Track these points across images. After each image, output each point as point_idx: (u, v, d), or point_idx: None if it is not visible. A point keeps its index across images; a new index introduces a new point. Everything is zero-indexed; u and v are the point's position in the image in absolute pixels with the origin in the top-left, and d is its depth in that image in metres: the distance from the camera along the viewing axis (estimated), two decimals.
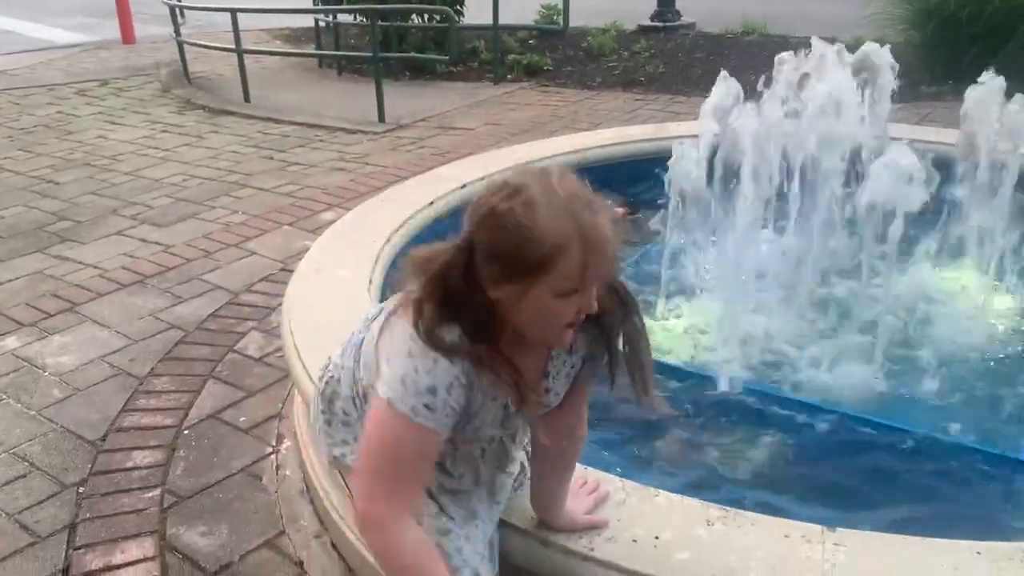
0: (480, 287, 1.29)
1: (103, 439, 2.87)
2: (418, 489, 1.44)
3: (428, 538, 1.44)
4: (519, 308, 1.29)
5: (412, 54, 8.79)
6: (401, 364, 1.34)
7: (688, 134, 3.72)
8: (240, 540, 2.39)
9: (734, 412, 2.62)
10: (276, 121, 7.26)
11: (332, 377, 1.68)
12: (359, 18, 9.24)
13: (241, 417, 2.97)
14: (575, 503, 1.70)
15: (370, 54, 7.63)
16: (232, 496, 2.58)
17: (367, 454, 1.41)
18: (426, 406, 1.32)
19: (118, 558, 2.33)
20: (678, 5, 10.22)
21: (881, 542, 1.64)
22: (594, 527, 1.67)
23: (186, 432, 2.89)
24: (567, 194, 1.26)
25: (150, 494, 2.59)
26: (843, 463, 2.39)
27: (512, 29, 9.68)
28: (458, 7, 8.91)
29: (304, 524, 2.45)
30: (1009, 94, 3.09)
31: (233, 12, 7.75)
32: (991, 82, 3.08)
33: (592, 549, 1.62)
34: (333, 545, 2.35)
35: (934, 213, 3.11)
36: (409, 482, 1.39)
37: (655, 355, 2.37)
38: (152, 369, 3.30)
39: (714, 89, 3.18)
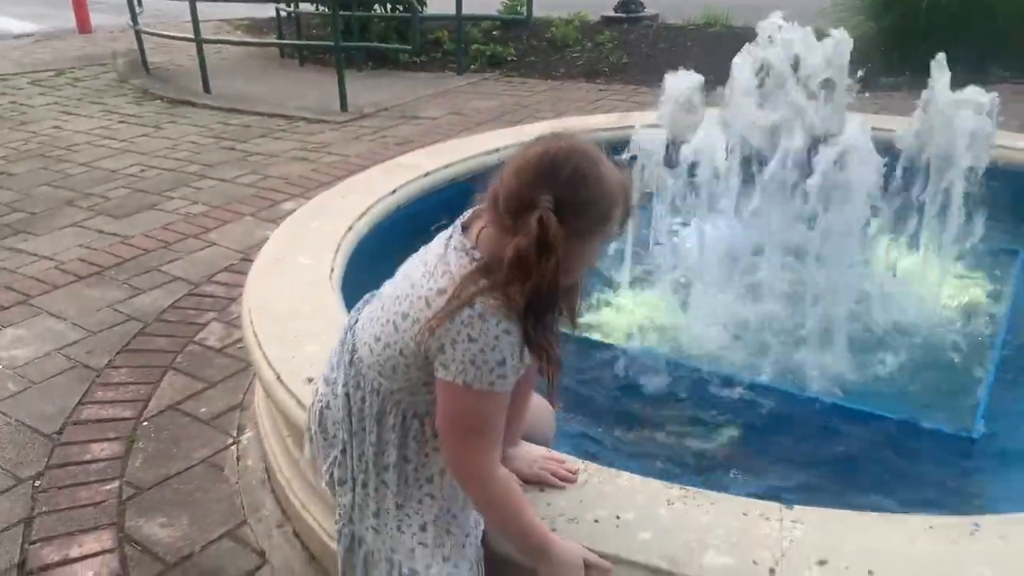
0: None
1: (60, 432, 2.82)
2: (502, 431, 1.53)
3: (512, 479, 1.57)
4: (574, 257, 1.41)
5: (375, 44, 8.72)
6: (464, 349, 1.40)
7: (651, 123, 3.75)
8: (201, 531, 2.36)
9: (696, 395, 2.64)
10: (237, 111, 7.17)
11: (322, 405, 1.71)
12: (320, 8, 9.15)
13: (202, 408, 2.93)
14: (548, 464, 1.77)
15: (332, 43, 7.55)
16: (193, 487, 2.55)
17: (452, 429, 1.50)
18: (500, 376, 1.42)
19: (75, 551, 2.29)
20: None
21: (837, 518, 1.66)
22: (542, 481, 1.75)
23: (145, 424, 2.85)
24: (604, 154, 1.44)
25: (108, 486, 2.55)
26: (802, 443, 2.43)
27: (476, 19, 9.64)
28: None
29: (266, 514, 2.43)
30: (963, 84, 3.13)
31: (192, 1, 7.62)
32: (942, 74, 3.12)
33: (554, 529, 1.62)
34: (295, 534, 2.33)
35: (891, 198, 3.16)
36: (495, 432, 1.50)
37: (619, 342, 2.42)
38: (110, 361, 3.25)
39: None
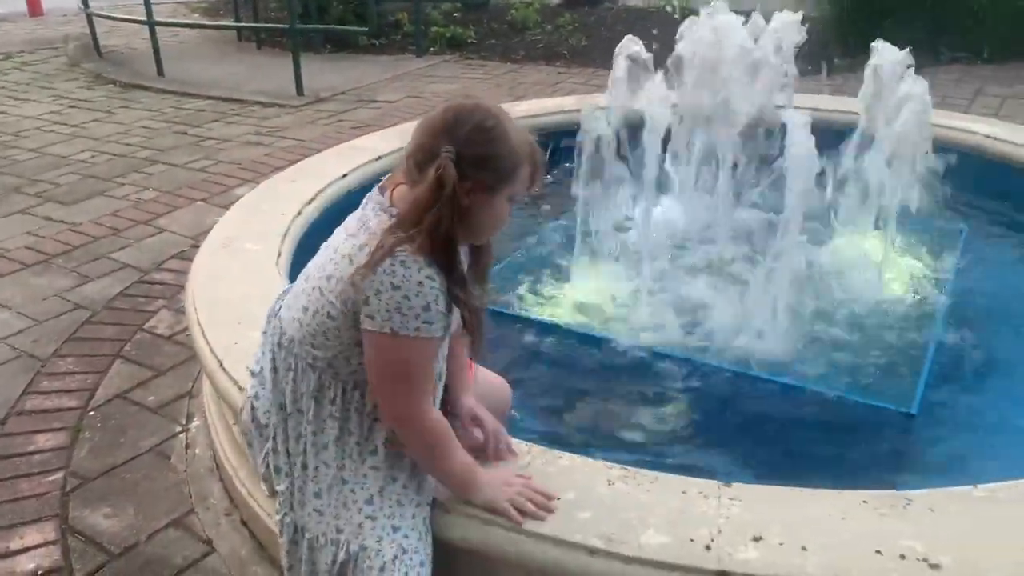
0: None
1: (2, 423, 2.76)
2: (432, 378, 1.60)
3: (444, 420, 1.61)
4: (480, 212, 1.49)
5: (332, 26, 8.61)
6: (389, 297, 1.44)
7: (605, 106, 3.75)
8: (146, 520, 2.33)
9: (639, 375, 2.66)
10: (191, 95, 7.05)
11: (252, 397, 1.72)
12: None
13: (150, 396, 2.89)
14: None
15: (288, 26, 7.44)
16: (139, 476, 2.52)
17: (382, 378, 1.53)
18: (425, 322, 1.47)
19: (16, 544, 2.25)
20: None
21: (774, 495, 1.69)
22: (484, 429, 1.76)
23: (92, 413, 2.81)
24: (512, 117, 1.52)
25: (52, 477, 2.51)
26: (744, 420, 2.46)
27: (435, 1, 9.56)
28: None
29: (214, 502, 2.41)
30: (915, 66, 3.16)
31: None
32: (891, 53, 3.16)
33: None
34: (243, 522, 2.31)
35: (835, 180, 3.20)
36: (426, 379, 1.56)
37: (565, 321, 2.38)
38: (56, 350, 3.19)
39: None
